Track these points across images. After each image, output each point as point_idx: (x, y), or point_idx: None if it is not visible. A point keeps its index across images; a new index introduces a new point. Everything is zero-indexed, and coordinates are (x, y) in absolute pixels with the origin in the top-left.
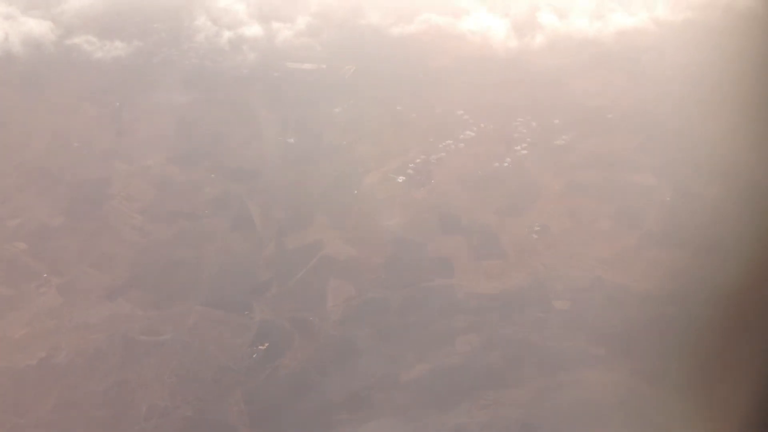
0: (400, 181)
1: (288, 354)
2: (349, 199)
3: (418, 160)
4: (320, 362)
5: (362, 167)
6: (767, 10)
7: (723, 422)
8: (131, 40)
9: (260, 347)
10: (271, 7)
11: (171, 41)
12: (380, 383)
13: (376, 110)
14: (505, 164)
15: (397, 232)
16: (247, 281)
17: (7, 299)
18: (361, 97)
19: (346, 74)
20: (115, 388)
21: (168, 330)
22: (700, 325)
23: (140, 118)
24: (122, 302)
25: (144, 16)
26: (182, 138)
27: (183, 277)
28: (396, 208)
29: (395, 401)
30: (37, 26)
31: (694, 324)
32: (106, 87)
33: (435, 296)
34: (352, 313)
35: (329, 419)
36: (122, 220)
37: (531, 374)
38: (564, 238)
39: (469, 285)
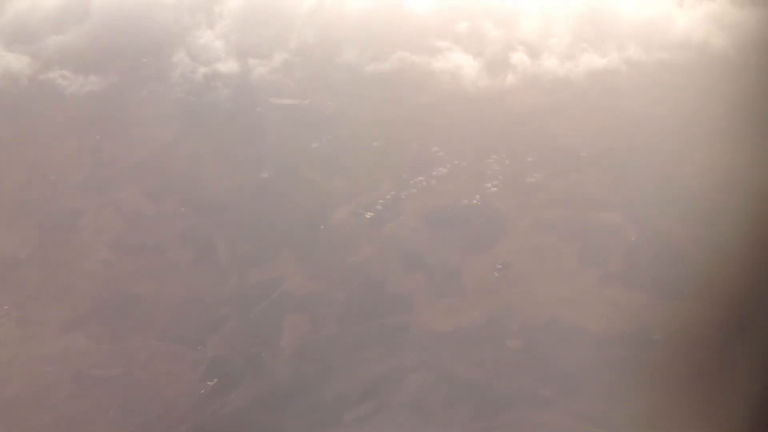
0: (368, 216)
1: (237, 390)
2: (315, 234)
3: (388, 196)
4: (267, 399)
5: (332, 202)
6: (740, 52)
7: None
8: (107, 75)
9: (209, 383)
10: (250, 44)
11: (149, 77)
12: (322, 421)
13: (352, 146)
14: (474, 201)
15: (359, 268)
16: (205, 316)
17: None
18: (338, 133)
19: None
20: (59, 423)
21: (120, 364)
22: (652, 369)
23: (119, 151)
24: (78, 335)
25: (123, 52)
26: (158, 171)
27: (141, 310)
28: (361, 243)
29: None
30: (15, 61)
31: (646, 368)
32: (88, 120)
33: (390, 333)
34: (306, 350)
35: None
36: (88, 252)
37: (475, 414)
38: (526, 276)
39: (426, 322)
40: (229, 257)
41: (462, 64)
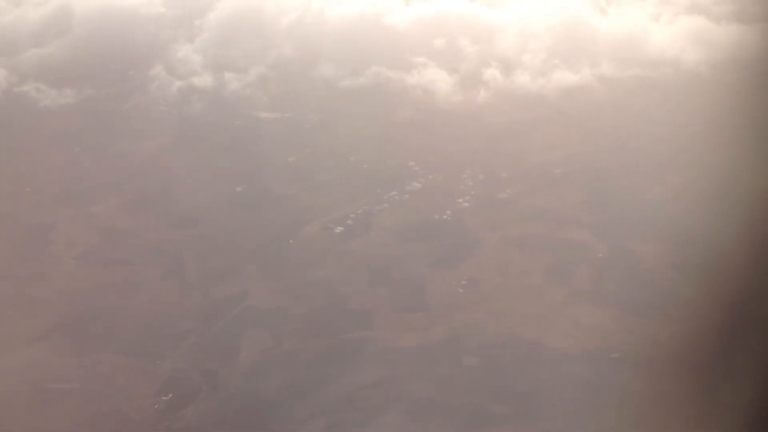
0: (338, 231)
1: (191, 406)
2: (284, 249)
3: (360, 211)
4: (219, 415)
5: (304, 217)
6: (715, 69)
7: None
8: (81, 88)
9: (164, 398)
10: (227, 58)
11: (125, 90)
12: None
13: (330, 160)
14: (445, 216)
15: (324, 283)
16: (167, 330)
17: None
18: (317, 147)
19: None
20: None
21: (78, 378)
22: (612, 388)
23: (98, 164)
24: (41, 349)
25: (101, 65)
26: (134, 185)
27: (105, 324)
28: (328, 258)
29: None
30: None
31: (606, 387)
32: (65, 133)
33: (349, 349)
34: (264, 365)
35: None
36: (57, 265)
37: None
38: (491, 292)
39: (386, 338)
40: (195, 272)
41: (436, 80)
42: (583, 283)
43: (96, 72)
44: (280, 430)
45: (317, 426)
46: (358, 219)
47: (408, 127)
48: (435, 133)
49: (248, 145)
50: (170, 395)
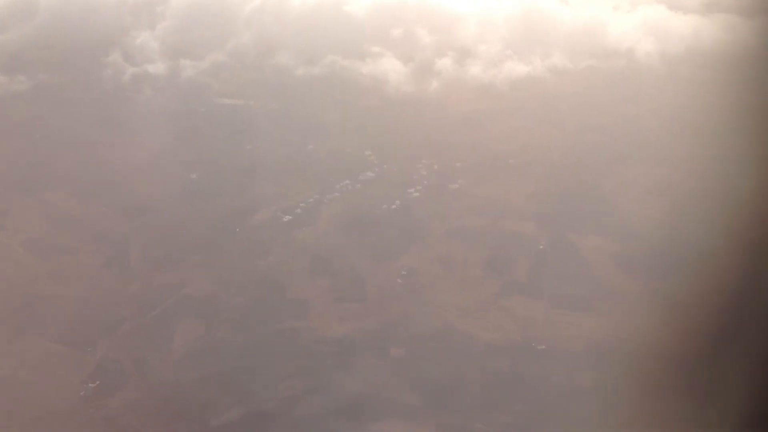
0: (286, 220)
1: (117, 394)
2: (230, 238)
3: (310, 200)
4: (143, 403)
5: (254, 205)
6: (670, 60)
7: None
8: (36, 75)
9: (90, 385)
10: (186, 45)
11: (80, 77)
12: (188, 428)
13: (287, 149)
14: (393, 207)
15: (265, 272)
16: (102, 318)
17: None
18: (275, 135)
19: None
20: None
21: (8, 365)
22: (529, 380)
23: (55, 151)
24: None
25: (58, 52)
26: (89, 172)
27: (42, 312)
28: (272, 247)
29: None
30: None
31: (523, 379)
32: (22, 120)
33: (281, 338)
34: (194, 354)
35: None
36: (4, 253)
37: (339, 423)
38: (429, 283)
39: (320, 328)
40: (139, 260)
41: (389, 70)
42: (520, 275)
43: (52, 58)
44: (199, 418)
45: (235, 415)
46: (307, 208)
47: (367, 116)
48: (394, 122)
49: (205, 133)
50: (97, 383)
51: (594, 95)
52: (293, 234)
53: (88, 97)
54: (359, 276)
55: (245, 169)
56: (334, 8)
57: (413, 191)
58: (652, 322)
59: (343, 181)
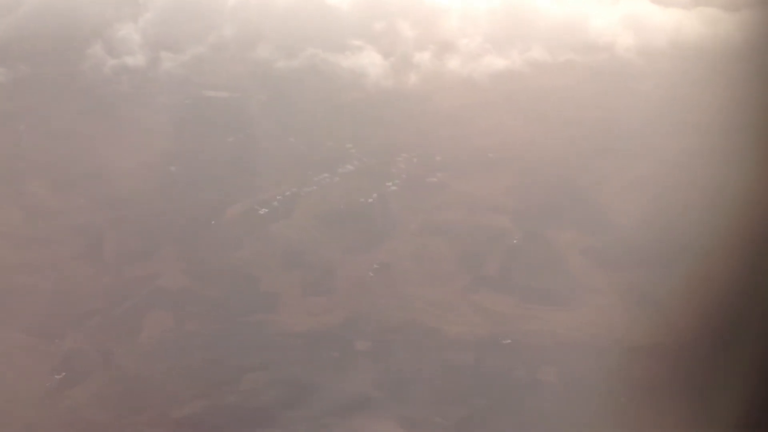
0: (262, 213)
1: (81, 385)
2: (204, 230)
3: (287, 193)
4: (107, 395)
5: (232, 198)
6: (650, 55)
7: None
8: (16, 67)
9: (56, 376)
10: (168, 38)
11: (61, 69)
12: (149, 421)
13: (268, 141)
14: (370, 200)
15: (238, 265)
16: (73, 310)
17: None
18: (258, 128)
19: None
20: None
21: None
22: (491, 374)
23: (35, 143)
24: None
25: (40, 44)
26: (69, 164)
27: (13, 303)
28: (247, 240)
29: None
30: None
31: (486, 373)
32: (8, 113)
33: (248, 332)
34: (161, 347)
35: None
36: None
37: (299, 416)
38: (400, 277)
39: (287, 321)
40: (113, 251)
41: (369, 63)
42: (492, 270)
43: (34, 50)
44: (161, 411)
45: (196, 407)
46: (284, 201)
47: (349, 109)
48: (376, 116)
49: (187, 125)
50: (63, 374)
51: (575, 89)
52: (268, 227)
53: (69, 89)
54: (331, 269)
55: (225, 161)
56: (317, 1)
57: (391, 185)
58: (621, 318)
59: (322, 174)
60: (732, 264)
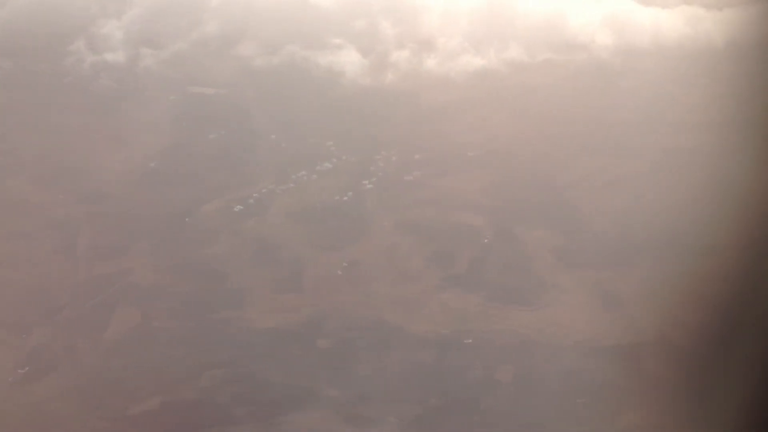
0: (237, 210)
1: (45, 380)
2: (179, 226)
3: (264, 190)
4: (68, 390)
5: (209, 195)
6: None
7: None
8: (1, 62)
9: (20, 371)
10: (151, 35)
11: (44, 65)
12: (106, 415)
13: (250, 137)
14: (345, 198)
15: (209, 262)
16: (43, 304)
17: None
18: (239, 124)
19: None
20: None
21: None
22: (447, 373)
23: (19, 139)
24: None
25: (23, 40)
26: (52, 160)
27: None
28: (219, 237)
29: None
30: None
31: (442, 372)
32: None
33: (213, 328)
34: (126, 343)
35: None
36: None
37: (253, 414)
38: (369, 275)
39: (253, 318)
40: (88, 247)
41: (347, 61)
42: (461, 268)
43: (18, 46)
44: (118, 407)
45: (153, 403)
46: (260, 198)
47: (331, 107)
48: (358, 114)
49: (170, 122)
50: (27, 369)
51: (555, 88)
52: (242, 224)
53: (53, 85)
54: (300, 267)
55: (206, 158)
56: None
57: (367, 183)
58: (585, 318)
59: (300, 172)
60: (711, 263)
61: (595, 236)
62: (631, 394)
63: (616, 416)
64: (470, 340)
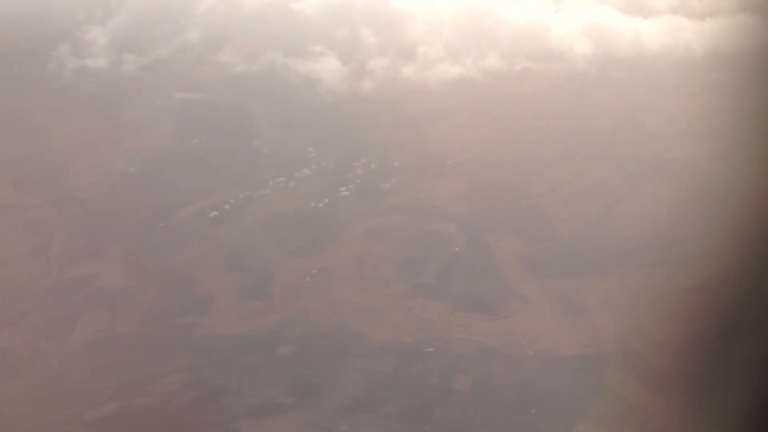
0: (212, 216)
1: (7, 383)
2: (151, 232)
3: (241, 196)
4: (29, 394)
5: (185, 200)
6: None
7: None
8: None
9: None
10: (134, 41)
11: (27, 69)
12: (62, 420)
13: (232, 143)
14: (321, 205)
15: (179, 268)
16: (10, 307)
17: None
18: (223, 129)
19: None
20: None
21: None
22: (407, 383)
23: (1, 141)
24: None
25: (6, 45)
26: (32, 163)
27: None
28: (191, 243)
29: None
30: None
31: (400, 381)
32: None
33: (177, 334)
34: (90, 347)
35: None
36: None
37: (209, 419)
38: (337, 283)
39: (218, 324)
40: (60, 250)
41: (326, 69)
42: (429, 277)
43: (1, 51)
44: (74, 411)
45: (109, 408)
46: (236, 204)
47: (314, 114)
48: (338, 121)
49: (151, 127)
50: None
51: (534, 97)
52: (215, 230)
53: (35, 89)
54: (269, 273)
55: (186, 163)
56: (283, 5)
57: (344, 190)
58: (548, 327)
59: (278, 178)
60: (681, 274)
61: (563, 245)
62: (589, 404)
63: (570, 428)
64: (431, 349)
